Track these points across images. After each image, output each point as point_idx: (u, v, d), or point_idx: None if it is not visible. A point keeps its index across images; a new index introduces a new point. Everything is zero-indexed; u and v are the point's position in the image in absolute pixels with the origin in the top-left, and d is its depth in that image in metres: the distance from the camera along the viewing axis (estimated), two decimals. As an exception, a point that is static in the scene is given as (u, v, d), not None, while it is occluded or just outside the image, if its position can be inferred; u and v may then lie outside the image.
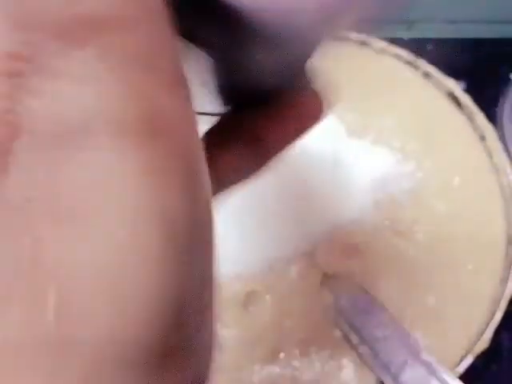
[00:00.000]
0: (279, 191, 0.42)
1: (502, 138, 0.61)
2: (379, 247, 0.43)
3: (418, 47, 0.60)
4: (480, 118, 0.50)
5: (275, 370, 0.38)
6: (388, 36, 0.60)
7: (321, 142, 0.48)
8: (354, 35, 0.57)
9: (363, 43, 0.57)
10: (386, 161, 0.47)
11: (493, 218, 0.45)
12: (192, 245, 0.10)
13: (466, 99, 0.51)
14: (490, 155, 0.48)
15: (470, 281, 0.42)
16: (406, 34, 0.77)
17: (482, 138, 0.49)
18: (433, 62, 0.56)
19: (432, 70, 0.54)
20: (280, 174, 0.41)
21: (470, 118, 0.50)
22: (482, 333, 0.40)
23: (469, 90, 0.53)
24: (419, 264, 0.43)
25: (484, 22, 0.74)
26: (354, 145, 0.49)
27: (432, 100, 0.51)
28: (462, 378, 0.39)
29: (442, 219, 0.45)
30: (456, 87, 0.52)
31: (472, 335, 0.40)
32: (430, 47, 0.73)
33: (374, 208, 0.45)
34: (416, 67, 0.54)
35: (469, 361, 0.39)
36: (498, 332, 0.41)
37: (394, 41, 0.58)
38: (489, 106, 0.62)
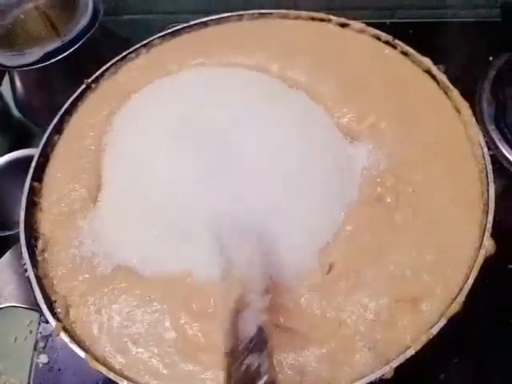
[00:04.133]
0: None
1: (480, 117, 0.63)
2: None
3: (400, 31, 0.62)
4: (455, 93, 0.51)
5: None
6: (371, 21, 0.61)
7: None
8: (335, 18, 0.58)
9: (344, 24, 0.58)
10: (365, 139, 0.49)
11: (468, 187, 0.46)
12: None
13: (443, 76, 0.52)
14: (465, 128, 0.49)
15: (447, 246, 0.43)
16: (388, 19, 0.79)
17: (458, 111, 0.50)
18: (414, 45, 0.57)
19: (409, 49, 0.55)
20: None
21: (447, 94, 0.52)
22: (456, 297, 0.41)
23: (449, 72, 0.55)
24: (401, 228, 0.44)
25: (463, 5, 0.76)
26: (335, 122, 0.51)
27: (410, 76, 0.53)
28: (436, 342, 0.40)
29: (421, 188, 0.46)
30: (432, 65, 0.53)
31: (446, 298, 0.41)
32: (411, 31, 0.74)
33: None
34: (394, 46, 0.55)
35: (442, 323, 0.40)
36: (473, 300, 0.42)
37: (377, 26, 0.59)
38: (468, 87, 0.63)
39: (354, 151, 0.49)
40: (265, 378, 0.33)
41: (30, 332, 0.62)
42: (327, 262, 0.43)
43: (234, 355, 0.35)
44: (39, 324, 0.59)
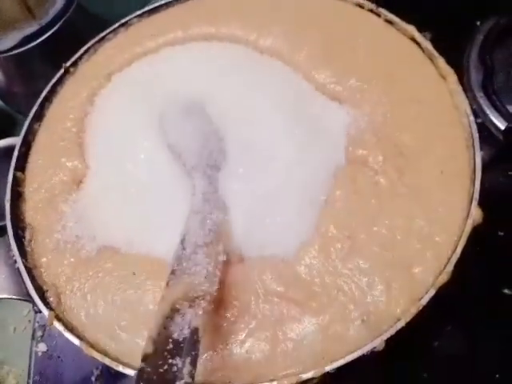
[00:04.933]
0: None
1: (468, 84, 0.62)
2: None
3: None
4: (441, 61, 0.50)
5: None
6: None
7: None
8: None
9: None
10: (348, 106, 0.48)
11: (456, 154, 0.46)
12: None
13: (428, 44, 0.51)
14: (451, 95, 0.48)
15: (435, 213, 0.43)
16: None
17: (443, 79, 0.49)
18: (399, 12, 0.56)
19: (393, 16, 0.53)
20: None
21: (432, 61, 0.51)
22: (444, 267, 0.41)
23: (436, 39, 0.54)
24: (388, 192, 0.44)
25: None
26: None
27: (393, 43, 0.52)
28: (429, 311, 0.41)
29: (407, 151, 0.46)
30: (416, 32, 0.52)
31: (436, 266, 0.41)
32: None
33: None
34: (378, 14, 0.54)
35: (431, 293, 0.40)
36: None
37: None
38: (456, 54, 0.62)
39: (335, 112, 0.49)
40: (182, 382, 0.33)
41: (29, 321, 0.62)
42: (321, 227, 0.43)
43: (159, 353, 0.34)
44: (36, 313, 0.59)
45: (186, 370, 0.33)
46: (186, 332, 0.35)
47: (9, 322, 0.63)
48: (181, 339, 0.34)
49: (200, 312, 0.36)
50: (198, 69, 0.52)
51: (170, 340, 0.34)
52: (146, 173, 0.47)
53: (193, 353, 0.34)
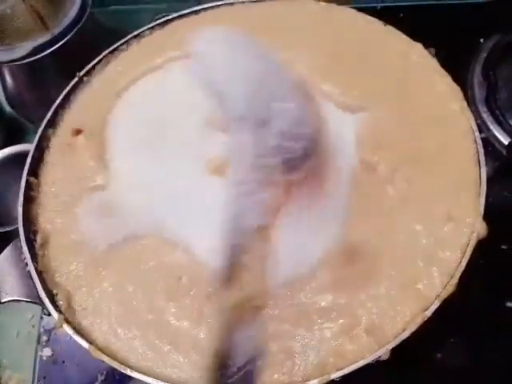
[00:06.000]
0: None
1: (472, 100, 0.63)
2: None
3: (391, 15, 0.61)
4: (447, 79, 0.51)
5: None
6: (361, 5, 0.61)
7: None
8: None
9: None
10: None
11: (462, 167, 0.46)
12: None
13: (435, 62, 0.53)
14: (457, 111, 0.49)
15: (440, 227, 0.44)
16: (379, 3, 0.78)
17: (450, 96, 0.50)
18: (405, 28, 0.57)
19: (401, 34, 0.55)
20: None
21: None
22: (450, 279, 0.42)
23: (440, 55, 0.55)
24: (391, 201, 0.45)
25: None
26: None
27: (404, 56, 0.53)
28: (432, 323, 0.41)
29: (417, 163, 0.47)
30: (424, 50, 0.53)
31: (442, 280, 0.42)
32: (402, 15, 0.74)
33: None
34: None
35: (436, 305, 0.41)
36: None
37: (368, 10, 0.59)
38: (460, 70, 0.63)
39: (344, 119, 0.50)
40: None
41: (33, 326, 0.62)
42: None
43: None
44: (41, 318, 0.60)
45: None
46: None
47: (13, 326, 0.63)
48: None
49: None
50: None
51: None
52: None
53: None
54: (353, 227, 0.44)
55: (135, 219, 0.47)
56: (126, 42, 0.60)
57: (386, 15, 0.58)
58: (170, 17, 0.61)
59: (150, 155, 0.50)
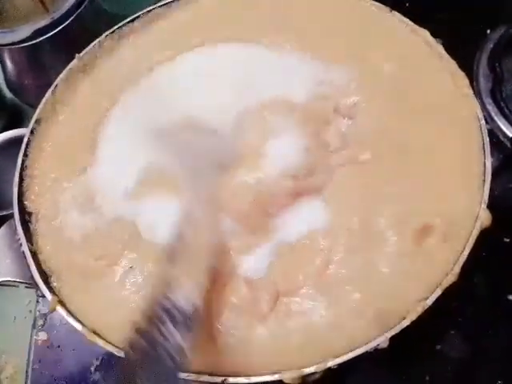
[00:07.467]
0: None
1: (477, 91, 0.62)
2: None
3: (396, 4, 0.61)
4: (453, 65, 0.50)
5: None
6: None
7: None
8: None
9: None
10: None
11: (466, 155, 0.46)
12: None
13: (440, 48, 0.52)
14: (462, 99, 0.48)
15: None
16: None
17: (455, 84, 0.50)
18: (410, 18, 0.56)
19: (407, 20, 0.54)
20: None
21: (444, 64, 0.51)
22: (452, 268, 0.41)
23: (446, 46, 0.54)
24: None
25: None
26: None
27: (408, 44, 0.52)
28: (432, 314, 0.40)
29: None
30: (430, 36, 0.52)
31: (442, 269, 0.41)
32: (407, 4, 0.73)
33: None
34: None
35: (437, 293, 0.40)
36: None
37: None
38: (465, 61, 0.62)
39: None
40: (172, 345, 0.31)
41: (30, 311, 0.62)
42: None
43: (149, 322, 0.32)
44: (37, 302, 0.59)
45: (178, 336, 0.32)
46: (182, 303, 0.33)
47: (9, 311, 0.63)
48: (176, 310, 0.33)
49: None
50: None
51: (162, 309, 0.33)
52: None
53: (187, 322, 0.33)
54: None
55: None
56: (125, 24, 0.59)
57: (392, 5, 0.57)
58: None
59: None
